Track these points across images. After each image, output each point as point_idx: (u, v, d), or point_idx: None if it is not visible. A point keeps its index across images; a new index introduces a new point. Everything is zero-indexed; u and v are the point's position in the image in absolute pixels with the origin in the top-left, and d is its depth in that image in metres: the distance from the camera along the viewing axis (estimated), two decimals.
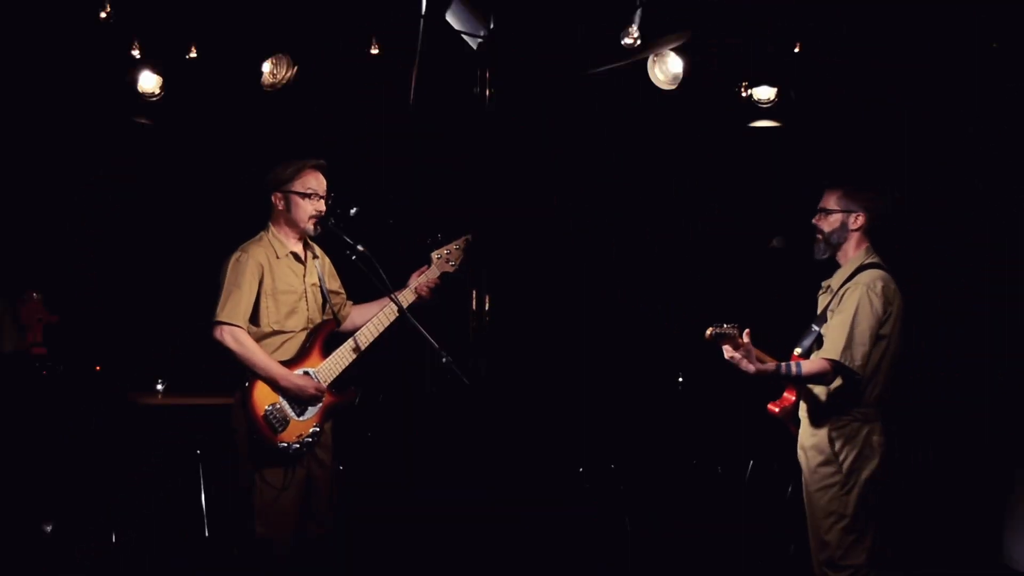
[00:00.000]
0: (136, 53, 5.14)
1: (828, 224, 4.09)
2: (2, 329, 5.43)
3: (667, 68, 5.06)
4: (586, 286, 6.12)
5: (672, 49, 4.95)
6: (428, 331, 4.01)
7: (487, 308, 3.19)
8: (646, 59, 5.01)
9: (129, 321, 6.00)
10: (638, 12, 4.40)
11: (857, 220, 4.06)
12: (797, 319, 4.33)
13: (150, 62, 5.20)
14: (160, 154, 5.95)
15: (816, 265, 4.43)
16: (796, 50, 5.16)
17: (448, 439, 5.44)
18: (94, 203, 6.01)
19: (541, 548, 5.35)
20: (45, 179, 5.86)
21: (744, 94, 5.40)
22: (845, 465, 3.92)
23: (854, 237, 4.07)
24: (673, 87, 5.09)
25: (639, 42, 4.45)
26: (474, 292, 3.20)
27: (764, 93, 5.38)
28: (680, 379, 5.91)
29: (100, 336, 5.89)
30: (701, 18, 4.70)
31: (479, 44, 3.25)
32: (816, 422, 4.02)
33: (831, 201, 4.10)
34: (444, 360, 3.91)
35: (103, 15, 4.72)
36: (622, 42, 4.46)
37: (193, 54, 5.21)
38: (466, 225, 4.25)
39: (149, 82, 5.25)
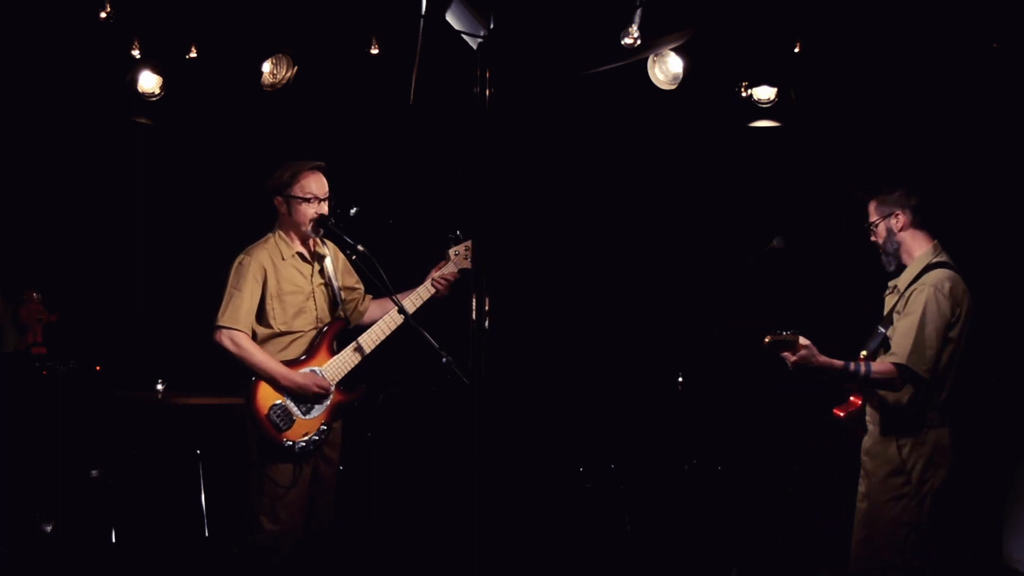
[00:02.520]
0: (136, 53, 5.14)
1: (879, 236, 4.04)
2: (2, 329, 5.43)
3: (667, 68, 5.06)
4: (586, 286, 6.12)
5: (672, 49, 4.95)
6: (429, 331, 4.01)
7: (488, 307, 3.18)
8: (646, 59, 5.01)
9: (129, 321, 6.00)
10: (638, 12, 4.39)
11: (899, 220, 3.99)
12: (798, 320, 4.33)
13: (150, 62, 5.20)
14: (160, 154, 5.95)
15: (816, 266, 4.43)
16: (796, 50, 5.16)
17: (448, 439, 5.44)
18: (94, 203, 6.01)
19: (541, 548, 5.35)
20: (45, 179, 5.86)
21: (744, 94, 5.40)
22: (915, 474, 3.83)
23: (906, 237, 3.99)
24: (673, 87, 5.09)
25: (639, 42, 4.45)
26: (474, 291, 3.20)
27: (764, 93, 5.38)
28: (680, 379, 5.91)
29: (100, 336, 5.89)
30: (701, 18, 4.69)
31: (479, 44, 3.24)
32: (883, 428, 3.92)
33: (871, 213, 4.06)
34: (444, 360, 3.91)
35: (103, 15, 4.72)
36: (622, 42, 4.46)
37: (193, 54, 5.22)
38: (465, 225, 4.26)
39: (149, 82, 5.26)
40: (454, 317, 4.05)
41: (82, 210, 5.98)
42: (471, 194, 3.27)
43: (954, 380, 3.87)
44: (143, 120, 5.43)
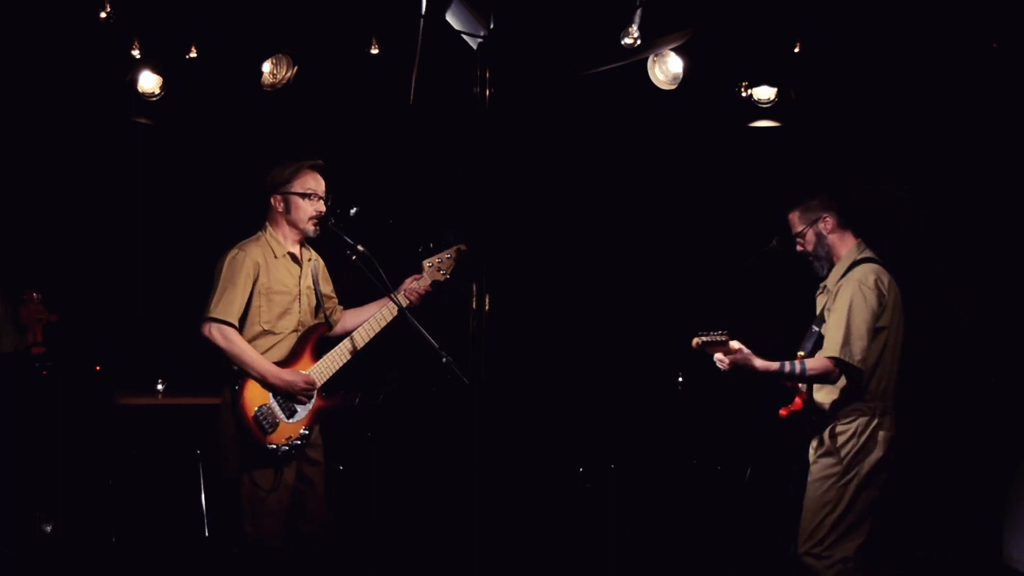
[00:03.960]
0: (136, 53, 5.14)
1: (808, 243, 4.17)
2: (2, 329, 5.43)
3: (667, 68, 5.06)
4: (586, 286, 6.12)
5: (672, 49, 4.95)
6: (428, 331, 4.01)
7: (487, 308, 3.19)
8: (646, 59, 5.01)
9: (129, 321, 6.00)
10: (638, 12, 4.40)
11: (826, 223, 4.13)
12: (798, 319, 4.33)
13: (150, 62, 5.21)
14: (160, 154, 5.95)
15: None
16: (796, 50, 5.16)
17: (448, 439, 5.44)
18: (94, 203, 6.01)
19: (541, 548, 5.35)
20: (45, 179, 5.86)
21: (744, 94, 5.40)
22: (846, 458, 3.94)
23: (835, 238, 4.13)
24: (673, 87, 5.09)
25: (639, 42, 4.45)
26: (474, 291, 3.20)
27: (764, 93, 5.38)
28: (680, 379, 5.91)
29: (100, 336, 5.89)
30: (701, 18, 4.70)
31: (479, 44, 3.25)
32: (824, 420, 4.03)
33: (796, 224, 4.19)
34: (444, 360, 3.90)
35: (103, 15, 4.72)
36: (622, 42, 4.46)
37: (193, 54, 5.21)
38: (465, 224, 4.25)
39: (149, 82, 5.26)
40: (454, 317, 4.06)
41: (82, 210, 5.98)
42: (471, 194, 3.27)
43: (892, 370, 3.99)
44: (143, 120, 5.43)
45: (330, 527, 4.22)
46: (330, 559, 4.24)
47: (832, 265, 4.14)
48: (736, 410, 5.77)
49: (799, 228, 4.18)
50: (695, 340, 3.91)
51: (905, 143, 5.51)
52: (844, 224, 4.14)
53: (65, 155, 5.87)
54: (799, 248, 4.20)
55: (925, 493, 5.29)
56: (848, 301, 3.92)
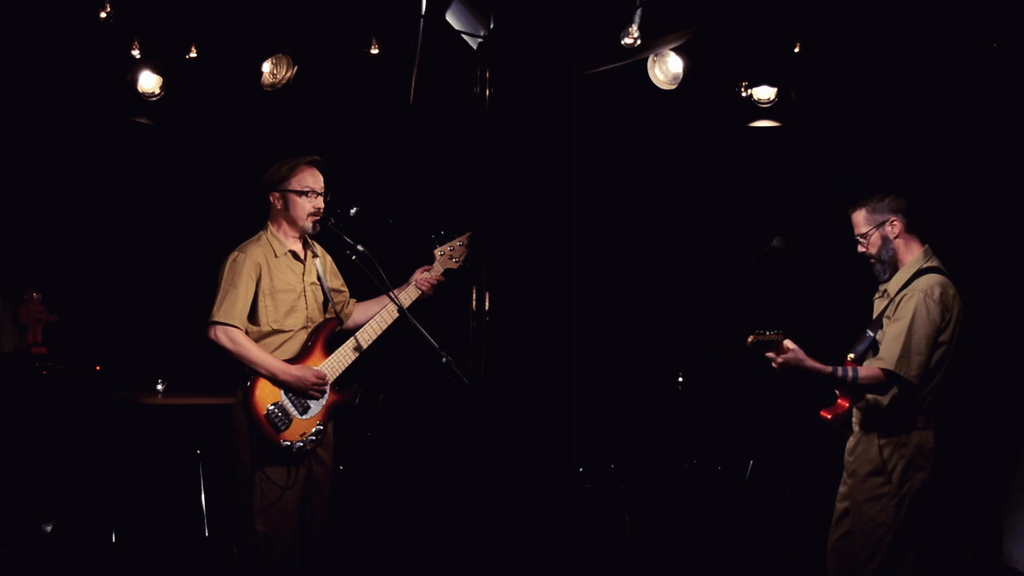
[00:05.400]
0: (136, 53, 5.15)
1: (872, 246, 3.97)
2: (2, 329, 5.44)
3: (667, 68, 5.07)
4: (586, 286, 6.12)
5: (672, 49, 4.95)
6: (428, 331, 4.01)
7: (487, 307, 3.19)
8: (646, 59, 5.02)
9: (129, 321, 6.00)
10: (638, 12, 4.40)
11: (894, 226, 3.94)
12: (798, 319, 4.32)
13: (150, 62, 5.21)
14: (160, 154, 5.96)
15: (814, 265, 4.41)
16: (796, 50, 5.16)
17: (448, 439, 5.45)
18: (94, 203, 6.01)
19: (541, 548, 5.35)
20: (45, 179, 5.87)
21: (744, 94, 5.41)
22: (895, 476, 3.82)
23: (900, 243, 3.95)
24: (673, 87, 5.10)
25: (639, 42, 4.45)
26: (474, 291, 3.20)
27: (764, 93, 5.38)
28: (680, 379, 5.91)
29: (100, 336, 5.89)
30: (701, 18, 4.70)
31: (479, 44, 3.25)
32: (866, 429, 3.92)
33: (860, 224, 3.99)
34: (444, 360, 3.90)
35: (103, 15, 4.73)
36: (622, 42, 4.47)
37: (193, 54, 5.22)
38: (465, 225, 4.26)
39: (149, 82, 5.26)
40: (454, 317, 4.06)
41: (82, 210, 5.98)
42: (471, 194, 3.28)
43: (941, 382, 3.87)
44: (143, 120, 5.44)
45: (327, 527, 4.22)
46: (330, 559, 4.24)
47: (895, 270, 3.96)
48: (736, 410, 5.77)
49: (864, 229, 3.96)
50: (750, 338, 3.75)
51: (905, 143, 5.51)
52: (911, 228, 3.95)
53: (65, 155, 5.88)
54: (860, 249, 4.00)
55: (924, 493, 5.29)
56: (911, 313, 3.77)
